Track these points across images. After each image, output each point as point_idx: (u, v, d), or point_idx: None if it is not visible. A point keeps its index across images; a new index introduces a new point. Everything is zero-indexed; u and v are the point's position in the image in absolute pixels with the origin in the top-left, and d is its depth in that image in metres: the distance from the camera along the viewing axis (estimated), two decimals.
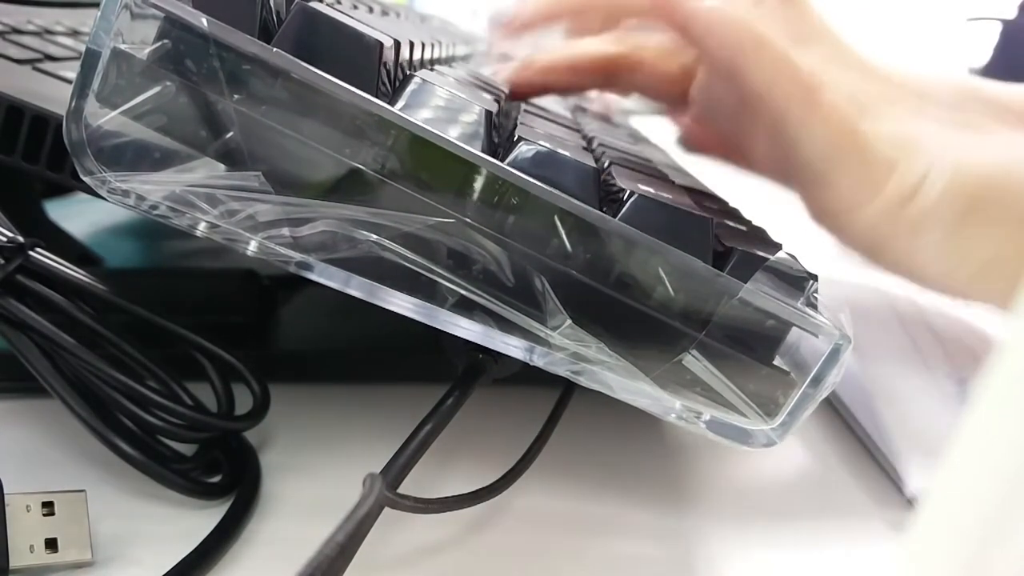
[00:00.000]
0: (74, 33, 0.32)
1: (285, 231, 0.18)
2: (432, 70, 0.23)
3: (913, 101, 0.27)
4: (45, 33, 0.30)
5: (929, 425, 0.27)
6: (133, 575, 0.20)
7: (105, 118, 0.17)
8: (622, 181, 0.20)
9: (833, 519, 0.25)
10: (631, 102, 0.47)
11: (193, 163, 0.18)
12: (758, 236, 0.22)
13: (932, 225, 0.24)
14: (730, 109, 0.30)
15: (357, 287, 0.19)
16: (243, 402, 0.23)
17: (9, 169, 0.23)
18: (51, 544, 0.19)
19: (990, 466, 0.10)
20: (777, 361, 0.20)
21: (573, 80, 0.34)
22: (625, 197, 0.19)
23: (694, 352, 0.19)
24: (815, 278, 0.20)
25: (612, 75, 0.35)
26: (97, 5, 0.17)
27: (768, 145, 0.29)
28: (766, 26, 0.26)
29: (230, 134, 0.17)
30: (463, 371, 0.21)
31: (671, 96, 0.35)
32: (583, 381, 0.20)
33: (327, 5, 0.20)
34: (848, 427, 0.30)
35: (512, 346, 0.19)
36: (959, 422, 0.10)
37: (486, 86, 0.25)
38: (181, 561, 0.20)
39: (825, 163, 0.25)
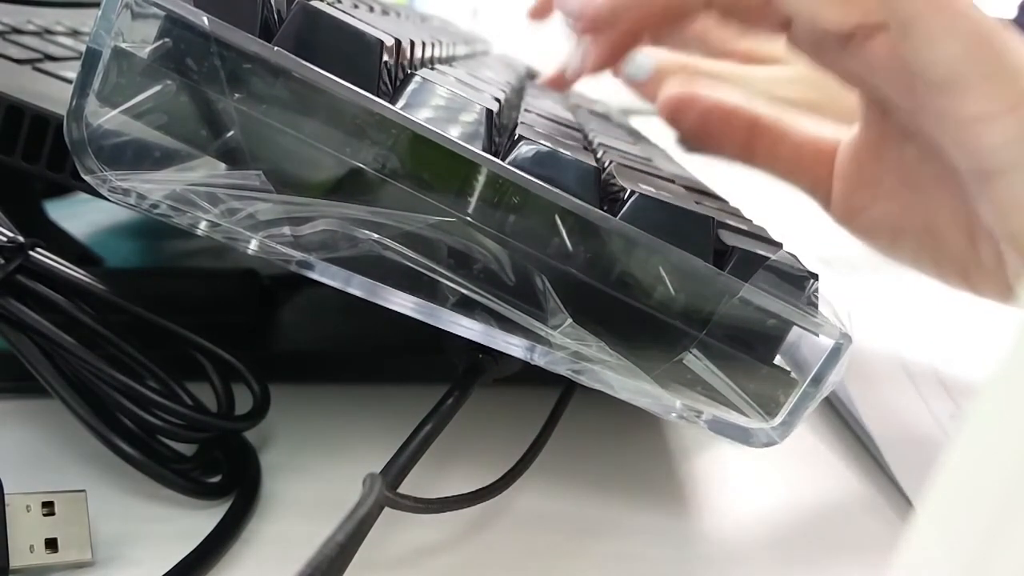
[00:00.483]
0: (74, 33, 0.32)
1: (286, 230, 0.18)
2: (433, 69, 0.23)
3: None
4: (45, 33, 0.30)
5: (925, 450, 0.27)
6: (133, 575, 0.20)
7: (106, 117, 0.17)
8: (623, 180, 0.20)
9: (834, 520, 0.25)
10: (629, 101, 0.47)
11: (194, 162, 0.18)
12: (758, 235, 0.22)
13: None
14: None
15: (358, 286, 0.19)
16: (243, 402, 0.23)
17: (9, 169, 0.23)
18: (51, 544, 0.19)
19: (987, 471, 0.10)
20: (778, 360, 0.20)
21: (713, 131, 0.33)
22: (626, 196, 0.19)
23: (695, 351, 0.19)
24: (816, 277, 0.20)
25: (752, 141, 0.33)
26: (97, 5, 0.17)
27: (889, 62, 0.25)
28: None
29: (231, 133, 0.17)
30: (463, 371, 0.20)
31: (814, 177, 0.32)
32: (584, 380, 0.19)
33: (328, 4, 0.20)
34: (850, 428, 0.30)
35: (513, 345, 0.19)
36: (957, 429, 0.10)
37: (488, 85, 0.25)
38: (181, 561, 0.20)
39: (961, 64, 0.22)
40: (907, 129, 0.27)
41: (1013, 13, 0.91)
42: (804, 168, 0.33)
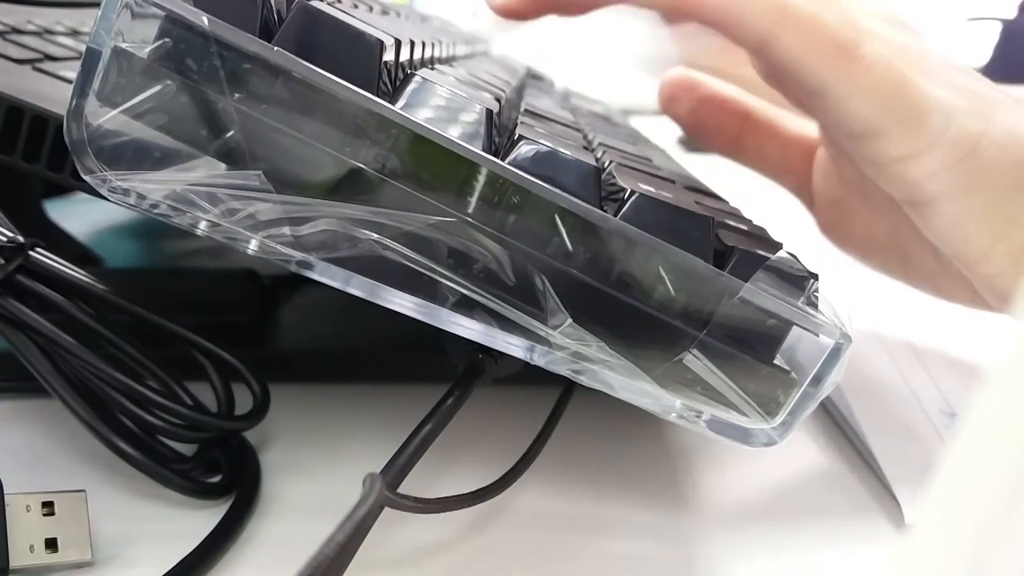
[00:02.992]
0: (74, 33, 0.32)
1: (286, 230, 0.18)
2: (433, 69, 0.23)
3: (961, 68, 0.25)
4: (45, 33, 0.30)
5: (917, 455, 0.27)
6: (133, 575, 0.20)
7: (106, 117, 0.17)
8: (623, 180, 0.20)
9: (833, 521, 0.25)
10: (629, 101, 0.46)
11: (194, 162, 0.18)
12: (758, 235, 0.22)
13: (988, 186, 0.23)
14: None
15: (358, 286, 0.19)
16: (243, 402, 0.23)
17: (9, 169, 0.23)
18: (51, 544, 0.19)
19: (986, 473, 0.10)
20: (778, 360, 0.20)
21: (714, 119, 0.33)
22: (626, 196, 0.19)
23: (695, 351, 0.19)
24: (816, 277, 0.20)
25: (742, 135, 0.33)
26: (97, 5, 0.17)
27: (816, 113, 0.27)
28: None
29: (231, 133, 0.17)
30: (463, 371, 0.20)
31: (799, 180, 0.33)
32: (584, 380, 0.19)
33: (328, 4, 0.20)
34: (839, 427, 0.30)
35: (513, 345, 0.19)
36: (952, 437, 0.10)
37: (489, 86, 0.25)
38: (181, 561, 0.20)
39: (875, 113, 0.23)
40: None
41: (1013, 13, 0.91)
42: (790, 169, 0.33)
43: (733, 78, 0.34)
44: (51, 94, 0.24)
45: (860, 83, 0.23)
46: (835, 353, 0.19)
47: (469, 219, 0.18)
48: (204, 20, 0.17)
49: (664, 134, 0.44)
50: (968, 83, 0.24)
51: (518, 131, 0.20)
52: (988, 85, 0.25)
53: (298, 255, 0.18)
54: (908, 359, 0.34)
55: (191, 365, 0.23)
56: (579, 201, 0.18)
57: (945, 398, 0.31)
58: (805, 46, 0.23)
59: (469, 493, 0.20)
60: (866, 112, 0.23)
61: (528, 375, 0.21)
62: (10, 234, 0.22)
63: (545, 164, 0.19)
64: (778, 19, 0.24)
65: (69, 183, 0.23)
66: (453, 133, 0.19)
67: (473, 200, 0.18)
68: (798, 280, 0.19)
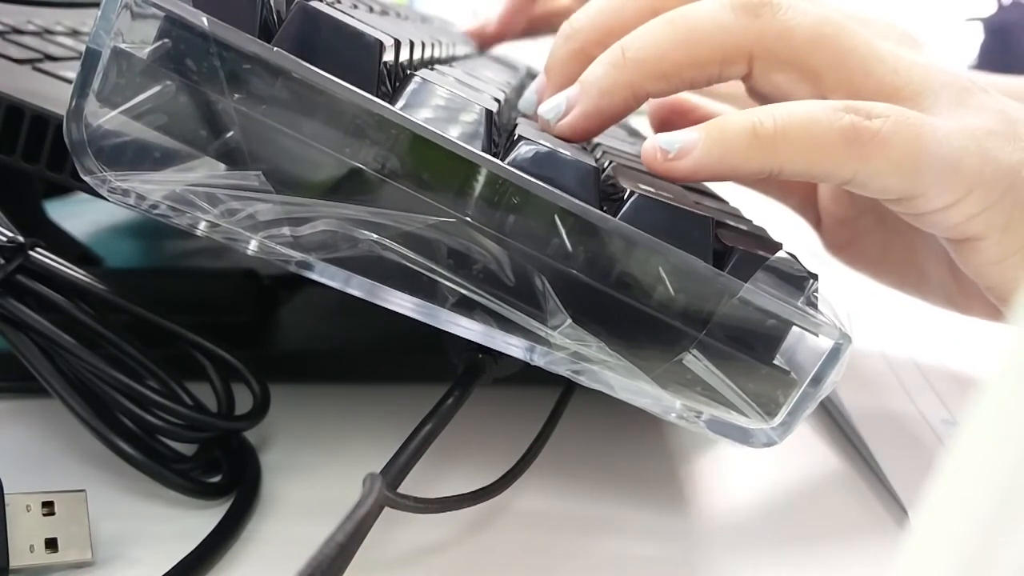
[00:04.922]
0: (74, 33, 0.32)
1: (285, 230, 0.18)
2: (432, 70, 0.23)
3: (959, 80, 0.24)
4: (45, 33, 0.30)
5: (919, 459, 0.27)
6: (133, 575, 0.20)
7: (105, 117, 0.17)
8: (622, 180, 0.20)
9: (833, 521, 0.25)
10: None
11: (193, 162, 0.18)
12: (758, 236, 0.22)
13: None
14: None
15: (357, 286, 0.19)
16: (243, 402, 0.23)
17: (9, 169, 0.23)
18: (51, 544, 0.19)
19: (983, 477, 0.10)
20: (777, 360, 0.20)
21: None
22: (625, 196, 0.19)
23: (694, 351, 0.19)
24: (815, 277, 0.20)
25: None
26: (97, 5, 0.17)
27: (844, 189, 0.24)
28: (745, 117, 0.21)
29: (230, 133, 0.17)
30: (463, 371, 0.20)
31: (803, 200, 0.33)
32: (583, 381, 0.19)
33: (327, 4, 0.20)
34: (840, 428, 0.30)
35: (513, 345, 0.19)
36: (952, 440, 0.10)
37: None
38: (181, 561, 0.20)
39: (904, 184, 0.22)
40: None
41: (993, 8, 0.92)
42: (792, 189, 0.33)
43: (723, 96, 0.34)
44: (51, 94, 0.24)
45: (879, 165, 0.21)
46: (835, 353, 0.19)
47: (469, 219, 0.18)
48: (204, 20, 0.17)
49: None
50: (993, 102, 0.24)
51: (517, 131, 0.20)
52: (1005, 96, 0.24)
53: (298, 255, 0.18)
54: (911, 372, 0.34)
55: (191, 365, 0.23)
56: (579, 201, 0.18)
57: (947, 408, 0.31)
58: (810, 154, 0.21)
59: (469, 493, 0.20)
60: (895, 185, 0.22)
61: (528, 375, 0.21)
62: (10, 234, 0.22)
63: (544, 164, 0.19)
64: (749, 140, 0.21)
65: (69, 183, 0.23)
66: (453, 133, 0.19)
67: (473, 200, 0.18)
68: (798, 280, 0.19)
